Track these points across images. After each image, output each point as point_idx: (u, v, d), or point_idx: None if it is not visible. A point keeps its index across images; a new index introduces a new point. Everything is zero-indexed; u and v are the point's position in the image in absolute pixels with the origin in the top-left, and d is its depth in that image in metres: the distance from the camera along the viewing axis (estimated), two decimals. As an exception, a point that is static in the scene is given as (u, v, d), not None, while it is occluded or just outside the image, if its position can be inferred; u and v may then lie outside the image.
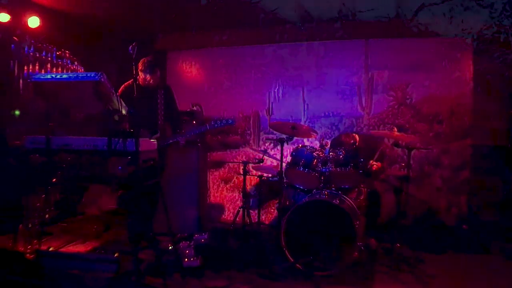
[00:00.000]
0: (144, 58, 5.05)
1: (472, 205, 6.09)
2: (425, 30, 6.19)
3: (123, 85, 5.10)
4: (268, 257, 4.79)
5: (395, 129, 5.51)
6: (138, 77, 5.05)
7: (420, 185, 6.24)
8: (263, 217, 6.62)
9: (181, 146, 5.12)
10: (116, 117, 3.81)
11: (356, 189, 5.32)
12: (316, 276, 4.31)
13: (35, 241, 4.53)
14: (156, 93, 5.14)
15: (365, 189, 5.31)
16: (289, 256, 4.49)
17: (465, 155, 6.17)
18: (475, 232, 5.74)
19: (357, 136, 5.84)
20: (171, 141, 5.05)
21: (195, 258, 4.47)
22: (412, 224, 5.89)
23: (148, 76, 5.05)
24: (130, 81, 4.93)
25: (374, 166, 5.51)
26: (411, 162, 5.30)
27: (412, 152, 5.26)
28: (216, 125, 5.03)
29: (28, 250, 4.43)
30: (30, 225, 5.03)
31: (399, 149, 6.14)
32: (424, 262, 4.84)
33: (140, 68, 5.02)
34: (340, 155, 5.01)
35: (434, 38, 6.20)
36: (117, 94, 4.08)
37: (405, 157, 5.35)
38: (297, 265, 4.41)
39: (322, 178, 5.00)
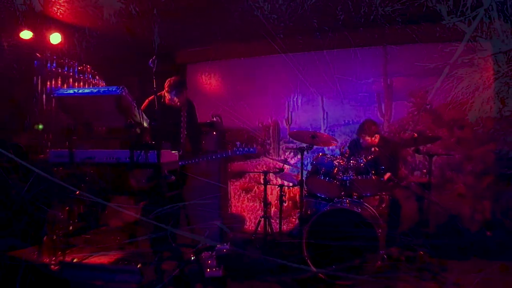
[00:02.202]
0: (170, 79, 5.12)
1: (496, 211, 5.99)
2: (444, 34, 6.14)
3: (147, 100, 5.16)
4: (290, 267, 4.78)
5: (415, 135, 5.46)
6: (164, 96, 5.14)
7: (442, 192, 6.16)
8: (284, 226, 6.61)
9: (202, 166, 5.16)
10: (138, 130, 3.85)
11: (378, 197, 5.28)
12: (339, 286, 4.29)
13: (59, 252, 4.59)
14: (179, 111, 5.19)
15: (387, 196, 5.27)
16: (311, 266, 4.47)
17: (488, 160, 6.08)
18: (500, 238, 5.64)
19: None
20: (192, 161, 5.07)
21: (217, 268, 4.47)
22: (435, 231, 5.81)
23: (175, 98, 5.10)
24: (154, 96, 5.02)
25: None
26: (433, 168, 5.24)
27: (434, 158, 5.20)
28: (238, 152, 5.09)
29: (53, 262, 4.48)
30: (54, 237, 5.10)
31: (421, 156, 6.08)
32: (447, 270, 4.77)
33: (166, 89, 5.09)
34: (361, 163, 4.99)
35: (453, 43, 6.15)
36: (140, 108, 4.13)
37: (426, 163, 5.29)
38: (320, 274, 4.39)
39: (343, 186, 4.98)
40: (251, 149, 5.08)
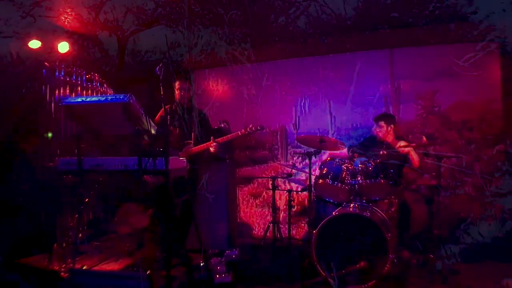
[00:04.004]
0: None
1: (506, 213, 5.94)
2: (451, 36, 6.12)
3: (160, 112, 5.26)
4: (300, 272, 4.77)
5: (424, 138, 5.44)
6: (175, 96, 5.28)
7: (452, 194, 6.12)
8: (293, 231, 6.58)
9: (213, 152, 5.20)
10: (146, 137, 3.87)
11: (387, 201, 5.25)
12: (349, 290, 4.28)
13: (69, 260, 4.61)
14: (190, 112, 5.29)
15: (396, 200, 5.24)
16: (320, 271, 4.46)
17: (497, 161, 6.04)
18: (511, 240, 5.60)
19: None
20: (204, 144, 5.16)
21: (226, 274, 4.47)
22: (445, 234, 5.78)
23: (179, 84, 5.26)
24: (168, 106, 5.10)
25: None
26: (442, 171, 5.20)
27: (443, 160, 5.17)
28: (248, 131, 5.15)
29: (63, 269, 4.50)
30: (64, 245, 5.13)
31: (429, 159, 6.05)
32: (459, 273, 4.74)
33: (172, 82, 5.24)
34: (370, 166, 4.97)
35: (460, 44, 6.12)
36: (147, 115, 4.16)
37: (435, 166, 5.26)
38: (329, 279, 4.37)
39: (352, 190, 4.97)
40: (258, 127, 5.23)
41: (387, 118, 5.76)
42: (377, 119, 5.78)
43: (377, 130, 5.73)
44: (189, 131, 5.22)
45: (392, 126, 5.69)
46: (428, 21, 6.06)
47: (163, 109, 5.20)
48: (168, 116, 4.77)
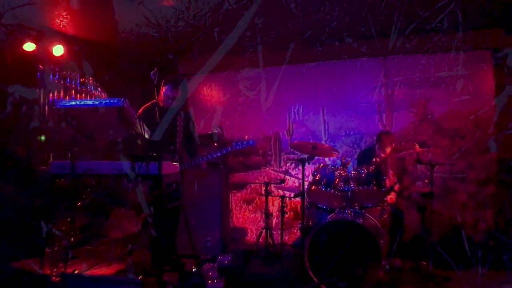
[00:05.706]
0: (168, 75, 5.13)
1: (499, 220, 5.96)
2: (444, 44, 6.17)
3: (142, 107, 5.13)
4: (292, 278, 4.77)
5: (417, 145, 5.47)
6: (159, 97, 5.04)
7: (444, 201, 6.14)
8: (286, 237, 6.59)
9: (203, 168, 5.14)
10: (139, 142, 3.86)
11: (380, 207, 5.27)
12: (341, 297, 4.28)
13: (61, 264, 4.59)
14: (176, 116, 5.16)
15: (389, 207, 5.26)
16: (313, 277, 4.46)
17: (490, 169, 6.07)
18: (503, 248, 5.61)
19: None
20: (192, 164, 5.05)
21: (218, 280, 4.47)
22: (438, 241, 5.79)
23: (169, 94, 4.99)
24: (149, 103, 5.00)
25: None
26: (435, 178, 5.23)
27: (435, 168, 5.20)
28: (237, 146, 5.04)
29: (54, 273, 4.48)
30: (56, 249, 5.10)
31: (422, 166, 6.07)
32: (451, 280, 4.75)
33: (162, 83, 5.00)
34: (362, 173, 4.99)
35: (454, 53, 6.16)
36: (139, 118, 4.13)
37: (428, 173, 5.29)
38: (322, 285, 4.37)
39: (345, 197, 4.98)
40: (250, 142, 5.04)
41: (391, 137, 5.79)
42: (386, 144, 5.71)
43: (383, 150, 5.69)
44: (173, 135, 5.07)
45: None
46: (422, 30, 6.10)
47: (142, 108, 5.11)
48: (157, 117, 4.66)
